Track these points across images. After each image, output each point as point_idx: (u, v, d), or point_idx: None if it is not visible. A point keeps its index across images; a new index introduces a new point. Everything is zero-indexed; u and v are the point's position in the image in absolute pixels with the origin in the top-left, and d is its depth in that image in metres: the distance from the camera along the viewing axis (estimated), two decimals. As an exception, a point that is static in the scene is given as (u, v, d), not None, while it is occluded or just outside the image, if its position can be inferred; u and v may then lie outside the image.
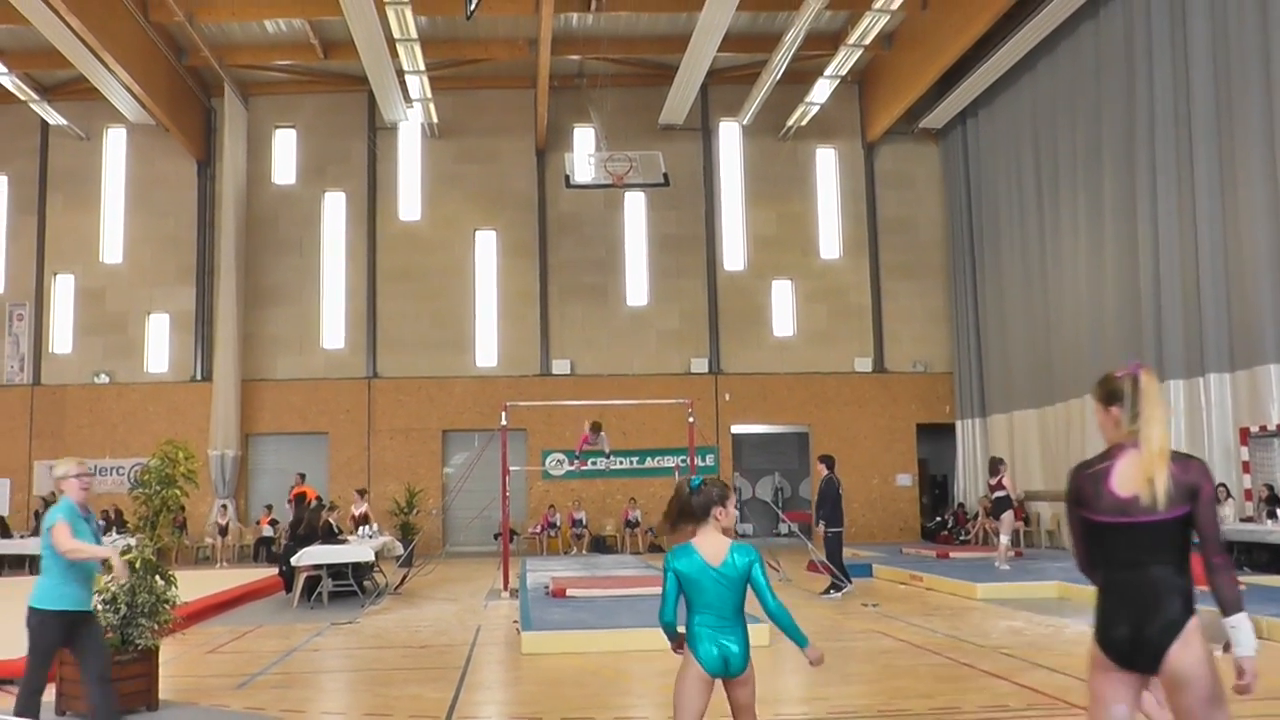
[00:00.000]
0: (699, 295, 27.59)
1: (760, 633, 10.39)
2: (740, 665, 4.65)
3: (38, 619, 6.38)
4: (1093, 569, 3.86)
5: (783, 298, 27.91)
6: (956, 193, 27.41)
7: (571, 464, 21.07)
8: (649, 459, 25.08)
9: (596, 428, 17.60)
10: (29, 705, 6.31)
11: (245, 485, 26.59)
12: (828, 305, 27.78)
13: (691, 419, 17.76)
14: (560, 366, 27.08)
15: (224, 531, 24.65)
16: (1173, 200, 18.70)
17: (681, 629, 4.74)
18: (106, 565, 6.77)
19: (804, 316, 27.76)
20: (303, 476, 23.02)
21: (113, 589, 7.80)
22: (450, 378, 26.97)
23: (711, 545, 4.68)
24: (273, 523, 24.67)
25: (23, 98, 25.32)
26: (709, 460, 25.06)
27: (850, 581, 15.37)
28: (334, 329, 27.20)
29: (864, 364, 27.66)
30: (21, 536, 23.51)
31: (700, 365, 27.36)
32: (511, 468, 17.55)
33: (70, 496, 6.59)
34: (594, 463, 22.13)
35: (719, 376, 27.29)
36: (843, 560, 15.61)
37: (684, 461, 21.75)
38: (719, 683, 4.67)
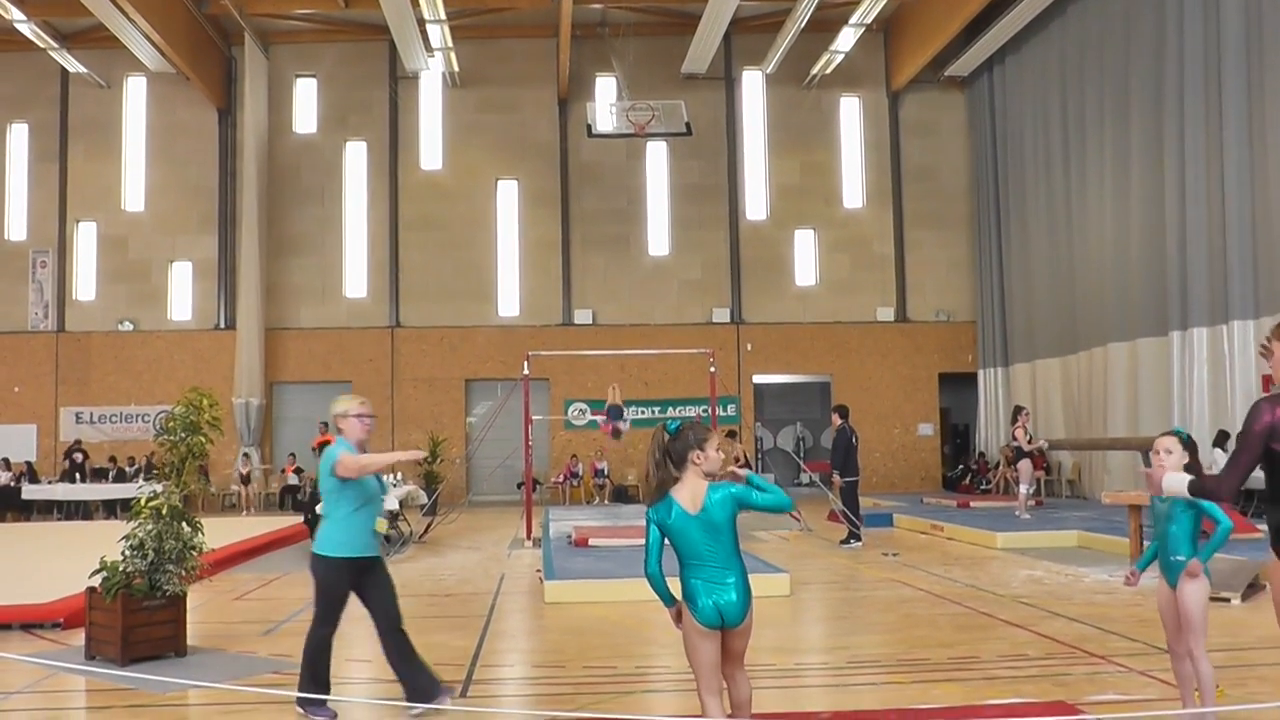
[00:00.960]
0: (721, 245, 27.60)
1: (780, 583, 10.53)
2: (738, 616, 4.50)
3: (324, 566, 6.11)
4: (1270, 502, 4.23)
5: (805, 247, 27.86)
6: (982, 141, 27.15)
7: (594, 416, 21.06)
8: (671, 409, 25.18)
9: (616, 413, 17.42)
10: (318, 657, 6.08)
11: (270, 434, 26.80)
12: (850, 255, 27.70)
13: (713, 369, 17.82)
14: (582, 316, 27.18)
15: (247, 480, 24.80)
16: (1200, 147, 18.47)
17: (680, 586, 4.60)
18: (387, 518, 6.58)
19: (826, 266, 27.71)
20: (326, 425, 23.00)
21: (185, 536, 7.78)
22: (473, 327, 27.09)
23: (690, 492, 4.52)
24: (298, 471, 24.84)
25: (42, 45, 25.20)
26: (730, 410, 25.11)
27: (859, 526, 15.31)
28: (356, 278, 27.28)
29: (886, 313, 27.64)
30: (49, 481, 23.86)
31: (722, 315, 27.41)
32: (534, 417, 17.74)
33: (348, 436, 6.31)
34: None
35: (741, 326, 27.36)
36: (858, 509, 15.61)
37: (705, 411, 21.93)
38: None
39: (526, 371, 17.05)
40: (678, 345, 24.89)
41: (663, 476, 4.57)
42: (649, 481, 4.61)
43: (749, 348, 27.31)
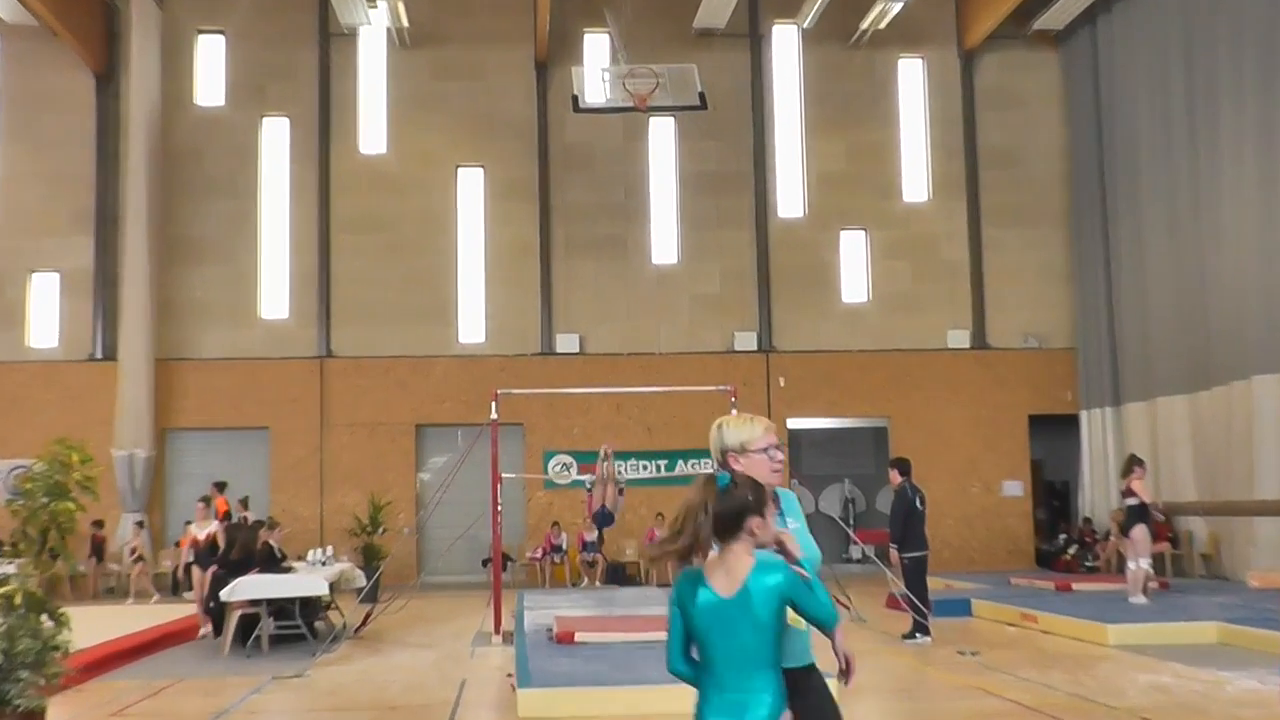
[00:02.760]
0: (745, 251, 27.62)
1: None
2: None
3: None
4: None
5: (854, 253, 27.94)
6: (1082, 115, 27.21)
7: (581, 473, 21.00)
8: (680, 463, 24.96)
9: (604, 519, 17.47)
10: None
11: (161, 496, 26.59)
12: (912, 262, 27.78)
13: (735, 411, 17.53)
14: (566, 343, 27.19)
15: (138, 557, 24.44)
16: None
17: None
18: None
19: (881, 277, 27.79)
20: (221, 486, 22.99)
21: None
22: (426, 358, 27.06)
23: (727, 569, 4.30)
24: (229, 516, 24.53)
25: None
26: None
27: (927, 616, 15.19)
28: (276, 294, 27.25)
29: (959, 338, 27.69)
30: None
31: (747, 341, 27.45)
32: (504, 474, 17.70)
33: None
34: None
35: (770, 355, 27.38)
36: (926, 594, 15.51)
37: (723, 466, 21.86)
38: None
39: (495, 415, 17.05)
40: (690, 380, 24.69)
41: (696, 541, 4.35)
42: (671, 543, 4.38)
43: (781, 383, 27.29)
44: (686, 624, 4.35)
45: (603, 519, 17.35)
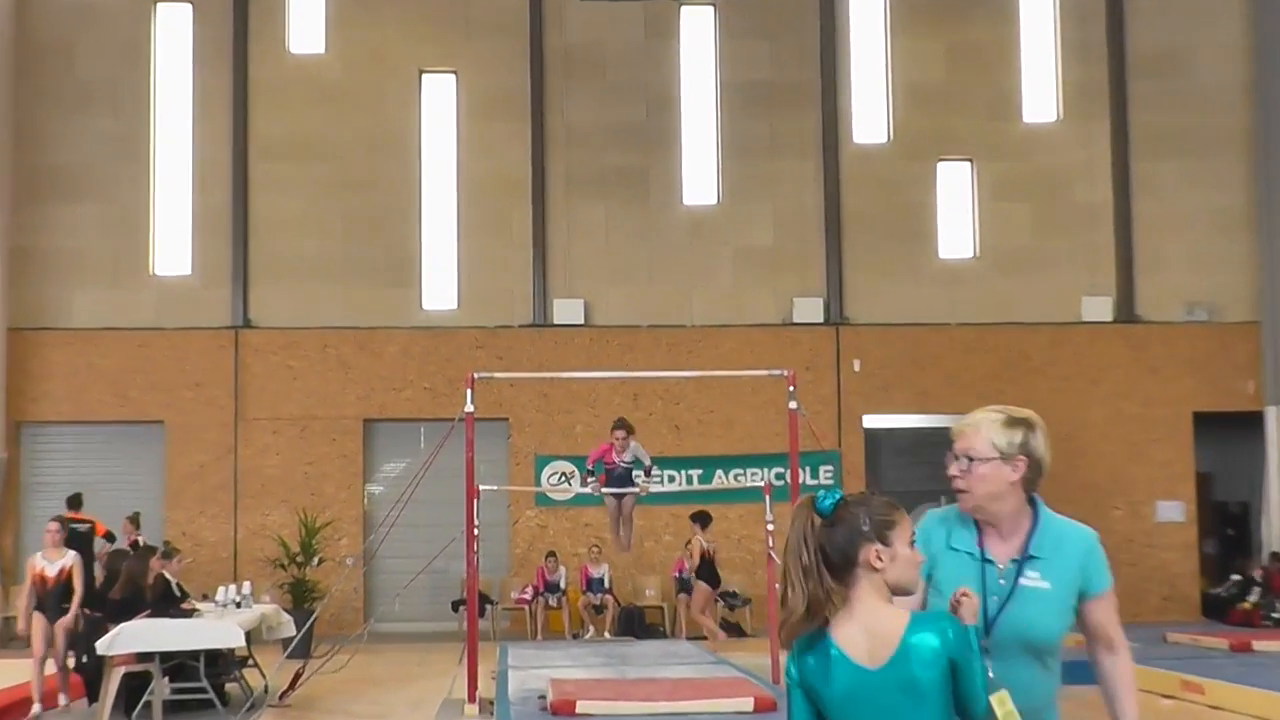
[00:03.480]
0: (808, 189, 27.59)
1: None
2: None
3: None
4: None
5: (955, 193, 27.90)
6: (1273, 3, 27.01)
7: (586, 484, 20.46)
8: (720, 473, 25.15)
9: (624, 427, 17.49)
10: None
11: (15, 512, 26.57)
12: (1034, 206, 27.80)
13: (794, 405, 17.56)
14: (567, 312, 27.29)
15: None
16: None
17: None
18: None
19: (992, 225, 27.82)
20: (76, 501, 22.30)
21: None
22: (378, 330, 27.05)
23: (865, 627, 4.16)
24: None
25: None
26: (825, 476, 25.13)
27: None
28: (174, 243, 27.17)
29: (1098, 308, 27.70)
30: None
31: (810, 310, 27.49)
32: (483, 486, 17.55)
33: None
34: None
35: (842, 330, 27.42)
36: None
37: (781, 476, 21.96)
38: None
39: (470, 407, 16.84)
40: (733, 363, 24.81)
41: (814, 595, 4.18)
42: (787, 611, 4.21)
43: (856, 367, 27.37)
44: (817, 710, 4.22)
45: (618, 477, 17.25)
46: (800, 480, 18.10)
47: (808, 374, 24.70)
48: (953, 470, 5.00)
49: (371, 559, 24.30)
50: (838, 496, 4.17)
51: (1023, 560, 4.88)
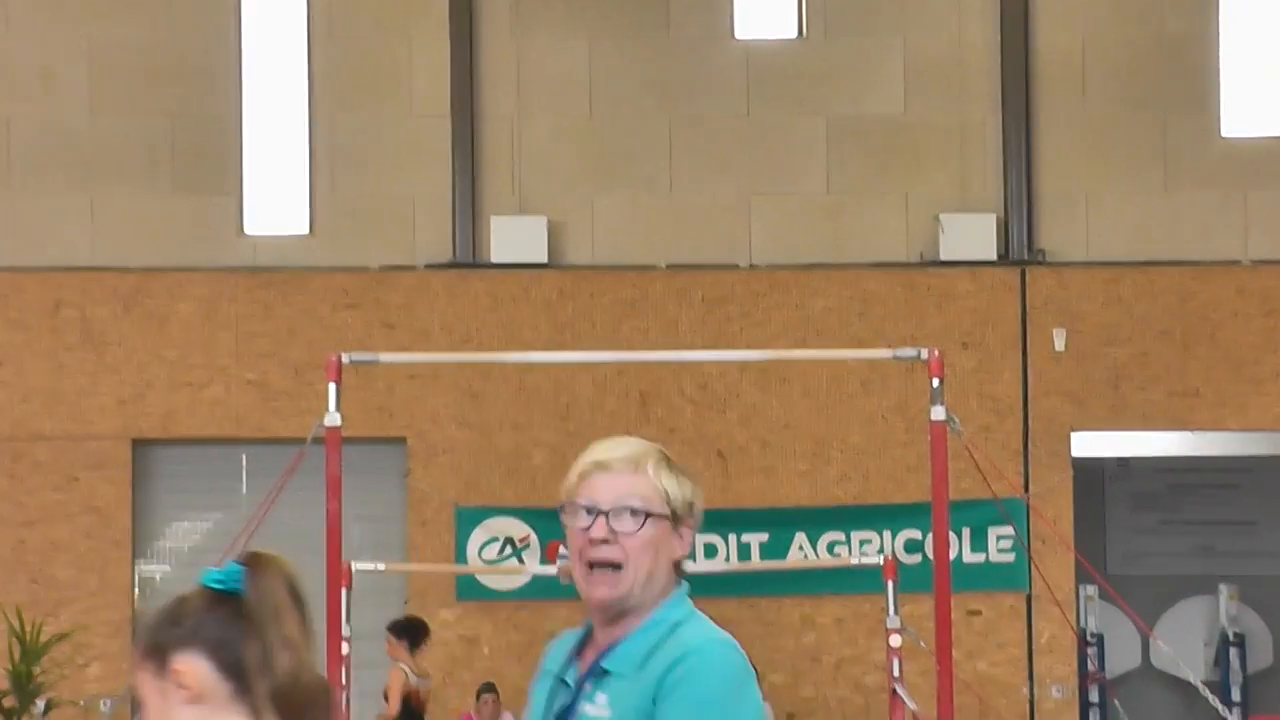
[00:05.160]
0: (971, 12, 22.14)
1: None
2: None
3: None
4: None
5: (1249, 21, 23.22)
6: None
7: (553, 561, 18.41)
8: (802, 537, 21.30)
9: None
10: None
11: None
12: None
13: (943, 414, 14.88)
14: (515, 240, 22.30)
15: None
16: None
17: None
18: None
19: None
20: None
21: None
22: (162, 271, 22.15)
23: None
24: None
25: None
26: (1000, 546, 20.99)
27: None
28: None
29: None
30: None
31: (972, 238, 22.10)
32: (357, 565, 16.06)
33: None
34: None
35: (1032, 272, 21.88)
36: None
37: (916, 545, 20.63)
38: None
39: (335, 418, 13.69)
40: (824, 336, 21.25)
41: None
42: None
43: (1060, 342, 21.89)
44: None
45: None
46: (954, 553, 16.47)
47: (966, 357, 20.90)
48: (593, 532, 3.77)
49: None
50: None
51: (588, 676, 3.69)
